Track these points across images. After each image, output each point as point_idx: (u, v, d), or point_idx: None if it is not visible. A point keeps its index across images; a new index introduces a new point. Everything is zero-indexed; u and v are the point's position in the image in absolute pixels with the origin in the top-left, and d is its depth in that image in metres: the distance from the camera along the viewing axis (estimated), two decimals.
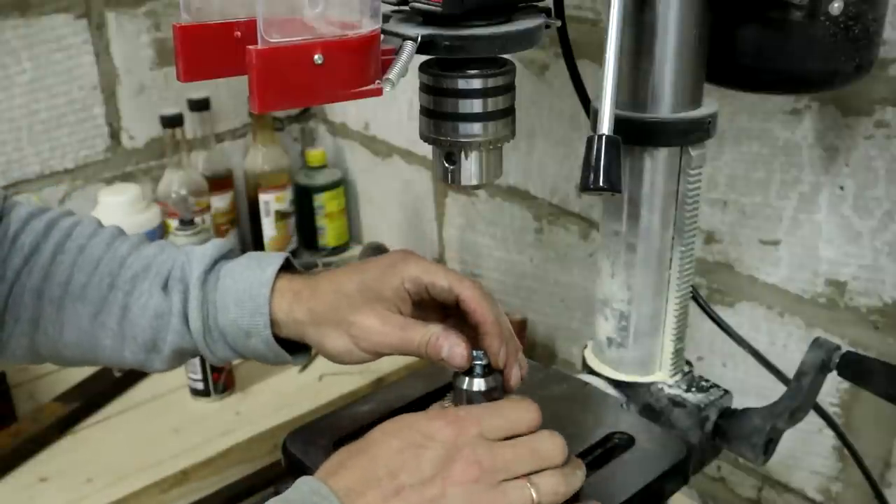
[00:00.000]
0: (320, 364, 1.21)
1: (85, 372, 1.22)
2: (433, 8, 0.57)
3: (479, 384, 0.63)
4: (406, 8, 0.60)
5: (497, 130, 0.62)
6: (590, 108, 0.71)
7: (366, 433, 0.59)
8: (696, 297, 0.77)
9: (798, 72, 0.66)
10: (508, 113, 0.63)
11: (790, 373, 0.73)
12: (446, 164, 0.64)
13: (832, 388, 0.94)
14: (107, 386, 1.20)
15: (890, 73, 0.81)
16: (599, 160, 0.56)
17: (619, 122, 0.68)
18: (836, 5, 0.62)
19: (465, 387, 0.63)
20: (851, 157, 0.86)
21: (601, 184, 0.56)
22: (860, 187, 0.86)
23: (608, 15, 0.58)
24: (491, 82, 0.61)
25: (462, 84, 0.61)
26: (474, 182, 0.64)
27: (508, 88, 0.62)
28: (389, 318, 0.64)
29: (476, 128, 0.61)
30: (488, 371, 0.63)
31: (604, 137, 0.57)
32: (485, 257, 1.35)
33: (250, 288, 0.67)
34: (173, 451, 1.10)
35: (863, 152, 0.85)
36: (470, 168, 0.64)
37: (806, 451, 0.99)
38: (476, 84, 0.60)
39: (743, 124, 0.94)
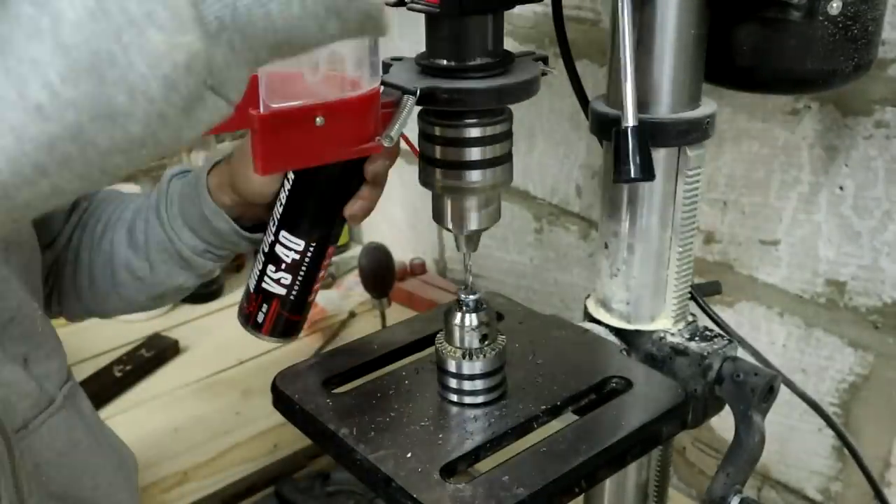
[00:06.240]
0: None
1: (85, 372, 1.22)
2: (430, 8, 0.57)
3: (470, 319, 0.64)
4: (403, 58, 0.62)
5: (496, 176, 0.63)
6: (589, 107, 0.71)
7: (356, 374, 0.61)
8: (695, 297, 0.77)
9: (797, 72, 0.66)
10: (507, 159, 0.64)
11: (789, 373, 0.73)
12: (446, 210, 0.65)
13: (832, 388, 0.94)
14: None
15: (889, 73, 0.81)
16: (629, 151, 0.57)
17: (617, 122, 0.68)
18: (834, 5, 0.62)
19: (457, 322, 0.64)
20: (851, 158, 0.86)
21: (633, 176, 0.57)
22: (860, 187, 0.86)
23: (620, 9, 0.58)
24: (489, 130, 0.61)
25: (461, 133, 0.61)
26: (473, 227, 0.65)
27: (507, 136, 0.63)
28: None
29: (475, 175, 0.62)
30: (480, 306, 0.65)
31: (629, 129, 0.57)
32: (485, 257, 1.35)
33: (193, 176, 0.82)
34: (173, 451, 1.10)
35: (862, 152, 0.85)
36: (470, 214, 0.64)
37: (806, 451, 0.99)
38: (475, 133, 0.61)
39: (743, 124, 0.94)
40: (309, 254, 0.73)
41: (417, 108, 0.60)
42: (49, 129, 0.38)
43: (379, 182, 0.72)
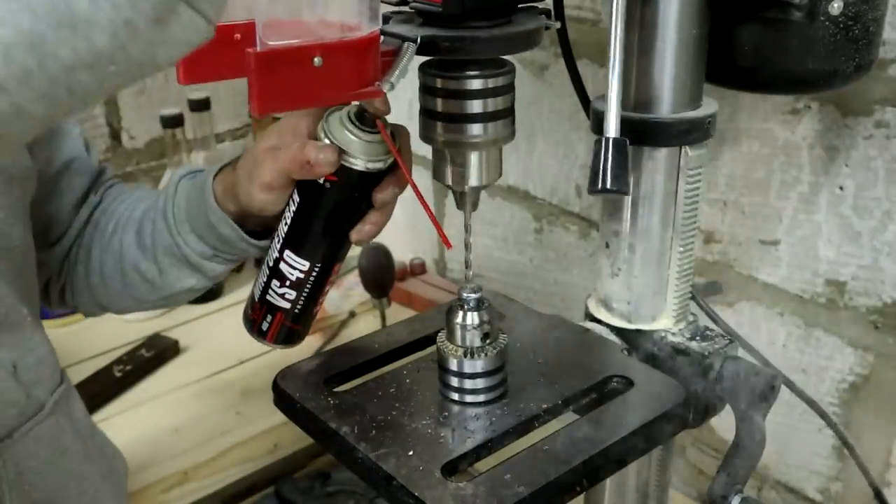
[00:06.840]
0: None
1: (85, 372, 1.22)
2: (433, 8, 0.57)
3: (472, 318, 0.64)
4: (406, 8, 0.61)
5: (497, 131, 0.62)
6: (590, 108, 0.71)
7: (357, 373, 0.62)
8: (695, 297, 0.77)
9: (798, 72, 0.66)
10: (508, 113, 0.63)
11: (789, 373, 0.73)
12: (446, 166, 0.64)
13: (832, 388, 0.94)
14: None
15: (890, 73, 0.81)
16: (607, 162, 0.56)
17: (623, 124, 0.68)
18: (835, 5, 0.62)
19: (458, 321, 0.65)
20: (851, 158, 0.86)
21: (609, 186, 0.56)
22: (860, 187, 0.86)
23: (611, 15, 0.58)
24: (491, 83, 0.61)
25: (462, 85, 0.61)
26: (474, 184, 0.65)
27: (509, 89, 0.62)
28: (278, 152, 0.70)
29: (476, 129, 0.62)
30: (482, 305, 0.65)
31: (611, 140, 0.57)
32: (485, 257, 1.35)
33: (201, 180, 0.80)
34: (173, 451, 1.10)
35: (862, 152, 0.85)
36: (470, 170, 0.64)
37: (806, 451, 0.99)
38: (476, 85, 0.61)
39: (743, 124, 0.94)
40: (314, 274, 0.72)
41: (418, 61, 0.59)
42: (2, 34, 0.36)
43: (387, 209, 0.72)
